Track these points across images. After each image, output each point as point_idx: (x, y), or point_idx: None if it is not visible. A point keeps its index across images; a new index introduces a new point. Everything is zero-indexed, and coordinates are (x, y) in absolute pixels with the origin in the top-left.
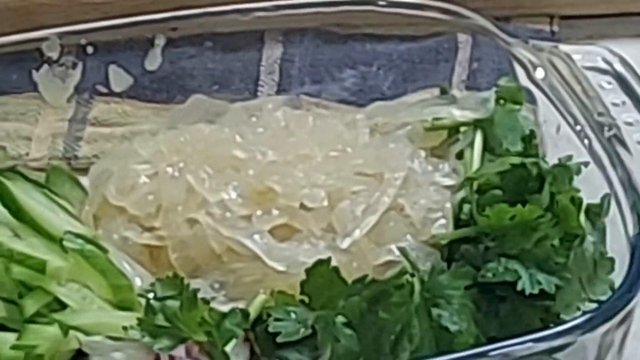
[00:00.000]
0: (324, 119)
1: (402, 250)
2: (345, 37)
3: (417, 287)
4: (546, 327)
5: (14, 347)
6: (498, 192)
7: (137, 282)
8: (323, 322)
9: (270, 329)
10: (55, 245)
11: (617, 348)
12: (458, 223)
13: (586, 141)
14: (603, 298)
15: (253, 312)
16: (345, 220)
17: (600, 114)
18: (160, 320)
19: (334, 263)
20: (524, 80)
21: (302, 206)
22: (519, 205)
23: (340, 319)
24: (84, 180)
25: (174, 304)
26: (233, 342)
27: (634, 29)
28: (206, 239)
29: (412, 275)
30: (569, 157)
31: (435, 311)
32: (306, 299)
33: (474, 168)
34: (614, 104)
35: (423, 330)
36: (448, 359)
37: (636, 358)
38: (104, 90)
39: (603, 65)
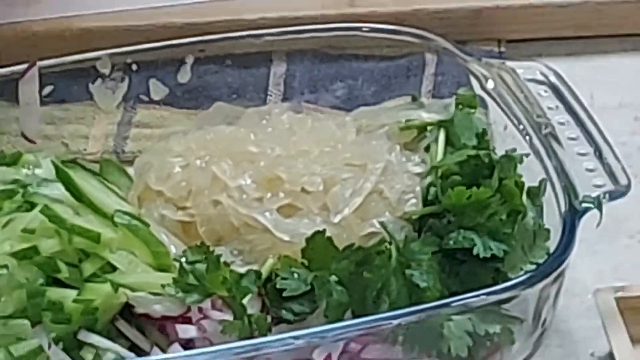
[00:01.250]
0: (320, 121)
1: (382, 224)
2: (336, 56)
3: (394, 252)
4: (496, 284)
5: (75, 301)
6: (457, 177)
7: (172, 249)
8: (319, 281)
9: (278, 286)
10: (107, 221)
11: (552, 301)
12: (426, 202)
13: (527, 137)
14: (541, 261)
15: (264, 272)
16: (336, 200)
17: (538, 116)
18: (190, 279)
19: (328, 234)
20: (478, 90)
21: (303, 190)
22: (474, 188)
23: (333, 278)
24: (130, 170)
25: (201, 266)
26: (248, 296)
27: (564, 49)
28: (227, 216)
29: (390, 244)
30: (514, 150)
31: (408, 272)
32: (306, 262)
33: (438, 159)
34: (549, 108)
35: (399, 287)
36: (419, 309)
37: (567, 310)
38: (145, 99)
39: (540, 78)
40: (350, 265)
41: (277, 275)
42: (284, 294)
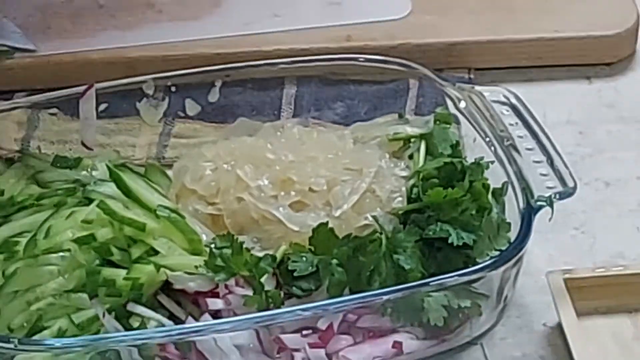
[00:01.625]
0: (324, 133)
1: (374, 218)
2: (336, 81)
3: (384, 241)
4: (467, 267)
5: (125, 279)
6: (435, 180)
7: (204, 237)
8: (323, 263)
9: (290, 267)
10: (151, 214)
11: (512, 281)
12: (410, 200)
13: (492, 148)
14: (503, 248)
15: (278, 256)
16: (337, 198)
17: (501, 131)
18: (218, 262)
19: (330, 226)
20: (452, 109)
21: (310, 189)
22: (449, 189)
23: (334, 261)
24: (169, 173)
25: (227, 251)
26: (265, 276)
27: (521, 77)
28: (248, 210)
29: (380, 234)
30: (481, 158)
31: (395, 256)
32: (312, 248)
33: (420, 165)
34: (510, 124)
35: (388, 268)
36: (404, 287)
37: (524, 288)
38: (182, 114)
39: (503, 100)
40: (348, 251)
41: (289, 259)
42: (295, 274)
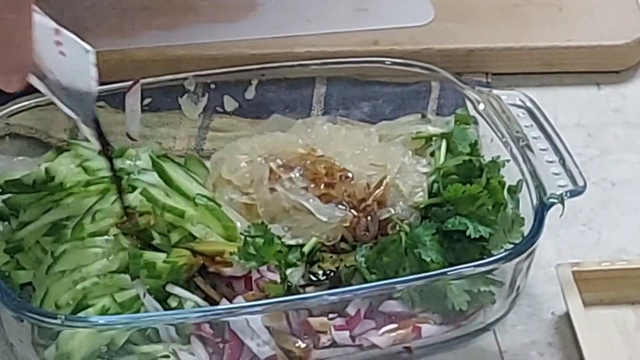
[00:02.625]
0: (351, 131)
1: (393, 215)
2: (363, 82)
3: (403, 237)
4: (483, 258)
5: (165, 262)
6: (455, 176)
7: (238, 225)
8: (351, 266)
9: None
10: (190, 201)
11: (524, 272)
12: (430, 195)
13: (508, 147)
14: (517, 242)
15: (307, 249)
16: (363, 192)
17: (517, 132)
18: (251, 250)
19: (356, 218)
20: (471, 111)
21: (338, 182)
22: (468, 185)
23: (361, 263)
24: (207, 163)
25: (260, 240)
26: (292, 268)
27: (535, 82)
28: (280, 200)
29: (400, 231)
30: (498, 157)
31: (416, 250)
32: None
33: (440, 162)
34: (526, 126)
35: (410, 263)
36: (425, 276)
37: (534, 278)
38: (220, 110)
39: (519, 103)
40: (372, 255)
41: (319, 251)
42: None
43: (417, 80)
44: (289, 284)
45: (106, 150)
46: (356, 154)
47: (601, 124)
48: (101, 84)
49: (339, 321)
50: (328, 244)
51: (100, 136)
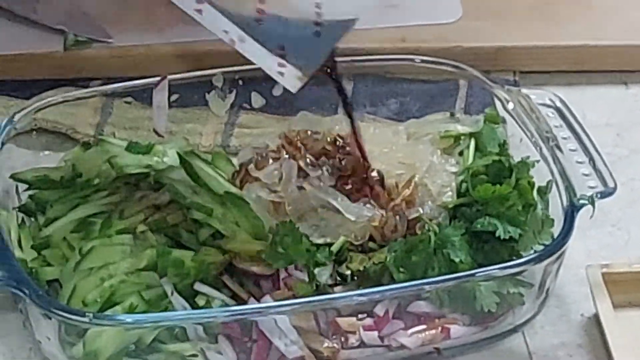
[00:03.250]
0: (379, 129)
1: (422, 215)
2: (391, 79)
3: (432, 237)
4: (512, 259)
5: (193, 260)
6: (484, 176)
7: (266, 223)
8: (380, 264)
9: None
10: (217, 199)
11: (554, 274)
12: (459, 194)
13: (538, 148)
14: (547, 243)
15: (335, 248)
16: (391, 191)
17: (547, 132)
18: (279, 249)
19: (384, 217)
20: (500, 110)
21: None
22: (497, 185)
23: (390, 261)
24: (234, 160)
25: (288, 239)
26: (320, 267)
27: (564, 80)
28: (308, 199)
29: (429, 231)
30: (527, 157)
31: (445, 251)
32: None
33: (469, 162)
34: (555, 126)
35: (439, 263)
36: (455, 277)
37: (564, 280)
38: (247, 106)
39: (548, 102)
40: (401, 254)
41: (348, 250)
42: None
43: (445, 78)
44: (317, 283)
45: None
46: (384, 152)
47: (630, 123)
48: (128, 78)
49: (368, 321)
50: (356, 243)
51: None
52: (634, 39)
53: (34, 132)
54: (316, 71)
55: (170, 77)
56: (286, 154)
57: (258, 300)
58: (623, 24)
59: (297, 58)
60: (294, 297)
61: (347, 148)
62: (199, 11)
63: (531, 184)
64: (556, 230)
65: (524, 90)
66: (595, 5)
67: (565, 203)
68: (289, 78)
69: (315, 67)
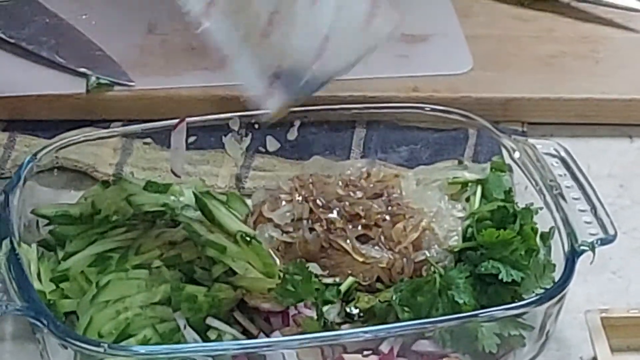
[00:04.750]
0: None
1: (429, 258)
2: (402, 127)
3: (437, 279)
4: (514, 302)
5: (205, 295)
6: (489, 222)
7: (277, 262)
8: (385, 302)
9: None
10: (231, 238)
11: (554, 317)
12: (465, 239)
13: (541, 195)
14: (548, 287)
15: (344, 287)
16: (399, 234)
17: (550, 180)
18: (289, 287)
19: (392, 259)
20: (507, 158)
21: (375, 224)
22: (502, 230)
23: (396, 301)
24: (248, 202)
25: (298, 278)
26: (329, 305)
27: (569, 132)
28: (319, 240)
29: (434, 272)
30: (531, 204)
31: (449, 292)
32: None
33: (475, 207)
34: (559, 175)
35: (444, 304)
36: (459, 317)
37: (564, 323)
38: (262, 150)
39: (553, 152)
40: (407, 294)
41: (356, 290)
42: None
43: (454, 127)
44: (325, 320)
45: None
46: (394, 197)
47: (633, 175)
48: (147, 120)
49: (373, 358)
50: (364, 283)
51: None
52: (638, 93)
53: (56, 170)
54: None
55: (188, 119)
56: (298, 196)
57: (268, 336)
58: (628, 78)
59: (287, 89)
60: (302, 333)
61: (359, 192)
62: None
63: (534, 230)
64: (557, 274)
65: (531, 140)
66: (601, 59)
67: (566, 249)
68: (271, 104)
69: (293, 104)
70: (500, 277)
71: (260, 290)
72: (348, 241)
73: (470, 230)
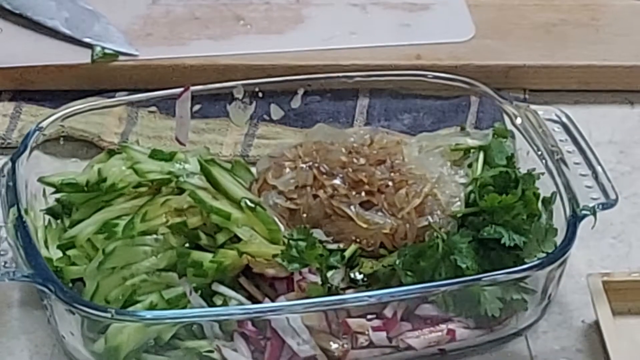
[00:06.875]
0: (392, 142)
1: (431, 223)
2: (405, 95)
3: (440, 244)
4: (516, 266)
5: (211, 262)
6: (491, 187)
7: (282, 228)
8: (389, 266)
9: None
10: (236, 205)
11: (556, 281)
12: (467, 204)
13: (543, 161)
14: (550, 251)
15: (348, 253)
16: (402, 200)
17: (552, 146)
18: (294, 252)
19: (395, 225)
20: (509, 125)
21: (379, 190)
22: (504, 195)
23: (400, 265)
24: (253, 169)
25: (302, 244)
26: (333, 271)
27: (571, 99)
28: (323, 206)
29: (437, 238)
30: (533, 169)
31: (452, 257)
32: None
33: (477, 173)
34: (560, 140)
35: (447, 269)
36: (462, 280)
37: (566, 287)
38: (266, 118)
39: (555, 118)
40: (410, 259)
41: (357, 255)
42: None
43: (457, 95)
44: (330, 285)
45: None
46: (397, 163)
47: (633, 142)
48: (152, 90)
49: (377, 323)
50: (368, 249)
51: None
52: (639, 60)
53: (62, 140)
54: None
55: (192, 88)
56: (302, 163)
57: (272, 301)
58: (629, 46)
59: None
60: (307, 298)
61: (362, 159)
62: None
63: (536, 195)
64: (559, 239)
65: (532, 107)
66: (602, 27)
67: (568, 213)
68: None
69: None
70: (502, 241)
71: (265, 256)
72: (352, 207)
73: (472, 195)
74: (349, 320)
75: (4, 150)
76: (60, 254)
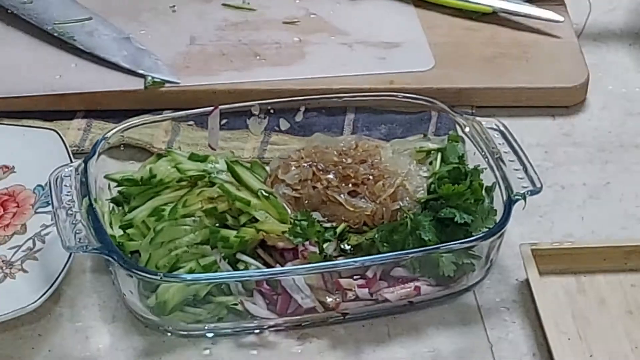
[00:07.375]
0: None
1: (402, 207)
2: (382, 111)
3: (409, 222)
4: (466, 238)
5: (235, 237)
6: (447, 179)
7: (289, 211)
8: (369, 243)
9: (346, 247)
10: (254, 194)
11: (496, 249)
12: (429, 192)
13: (486, 159)
14: (491, 227)
15: (339, 230)
16: (380, 190)
17: (493, 148)
18: (298, 230)
19: (374, 209)
20: (460, 132)
21: (362, 182)
22: (456, 185)
23: (378, 238)
24: (267, 168)
25: (304, 223)
26: (328, 243)
27: (507, 113)
28: (320, 195)
29: (406, 217)
30: (478, 166)
31: (417, 232)
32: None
33: (437, 169)
34: (499, 144)
35: (414, 241)
36: (425, 249)
37: (503, 254)
38: (277, 129)
39: (495, 127)
40: (386, 233)
41: (348, 232)
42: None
43: (421, 110)
44: (325, 254)
45: None
46: (375, 162)
47: (555, 144)
48: (190, 108)
49: (361, 282)
50: (354, 227)
51: None
52: (559, 82)
53: (122, 147)
54: None
55: (221, 107)
56: (304, 163)
57: (282, 267)
58: (550, 73)
59: None
60: (308, 263)
61: (349, 159)
62: None
63: (481, 185)
64: (498, 217)
65: (478, 119)
66: (531, 58)
67: (505, 198)
68: None
69: None
70: (455, 219)
71: (276, 232)
72: (342, 195)
73: (433, 186)
74: (340, 280)
75: (78, 155)
76: (122, 232)
